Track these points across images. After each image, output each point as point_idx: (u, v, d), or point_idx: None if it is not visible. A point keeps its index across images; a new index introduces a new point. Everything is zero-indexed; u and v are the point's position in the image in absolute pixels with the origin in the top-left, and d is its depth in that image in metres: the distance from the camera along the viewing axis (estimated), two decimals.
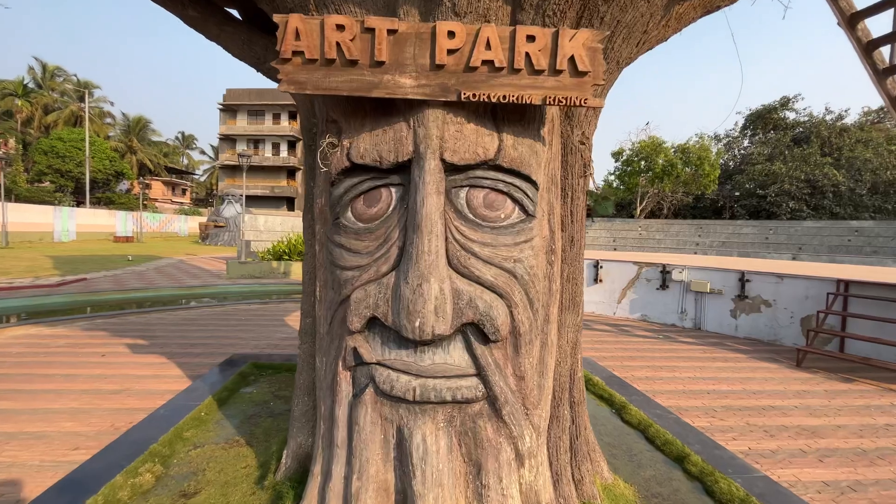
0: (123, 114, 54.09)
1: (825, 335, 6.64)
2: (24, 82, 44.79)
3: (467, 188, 1.97)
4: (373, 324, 2.05)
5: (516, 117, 1.97)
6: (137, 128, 53.82)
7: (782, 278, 7.43)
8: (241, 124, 43.89)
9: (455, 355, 1.97)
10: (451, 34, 1.74)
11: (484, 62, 1.76)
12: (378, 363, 2.04)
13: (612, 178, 31.76)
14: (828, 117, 29.66)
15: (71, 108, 44.74)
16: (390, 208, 2.03)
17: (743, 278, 7.84)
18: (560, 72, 1.77)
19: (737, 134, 33.80)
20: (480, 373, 1.96)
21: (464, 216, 1.96)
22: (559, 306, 2.34)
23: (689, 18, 2.95)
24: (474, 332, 1.95)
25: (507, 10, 1.93)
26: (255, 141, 44.09)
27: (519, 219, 2.00)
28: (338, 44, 1.74)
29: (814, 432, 3.89)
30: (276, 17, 1.73)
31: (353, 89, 1.79)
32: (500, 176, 1.96)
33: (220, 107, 43.82)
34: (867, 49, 4.63)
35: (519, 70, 1.77)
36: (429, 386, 1.92)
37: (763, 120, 31.66)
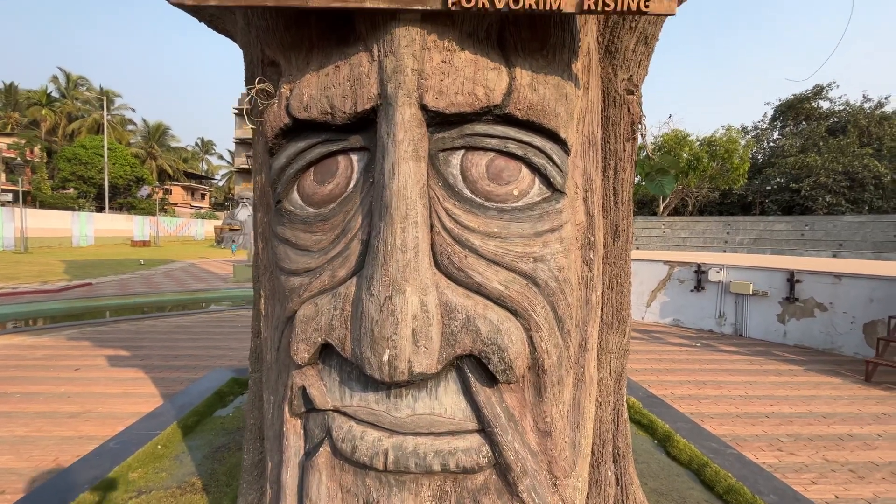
0: (144, 120, 55.08)
1: None
2: (48, 91, 46.02)
3: (462, 151, 1.31)
4: (328, 354, 1.41)
5: (535, 45, 1.31)
6: (157, 134, 54.84)
7: (840, 278, 6.51)
8: None
9: (446, 402, 1.32)
10: None
11: None
12: (336, 410, 1.40)
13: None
14: (866, 105, 27.88)
15: (93, 116, 45.76)
16: (351, 185, 1.39)
17: (792, 278, 6.94)
18: None
19: (766, 126, 32.14)
20: (485, 428, 1.30)
21: (458, 193, 1.31)
22: (600, 324, 1.66)
23: None
24: (475, 367, 1.29)
25: None
26: None
27: (541, 196, 1.33)
28: None
29: None
30: None
31: None
32: (512, 132, 1.29)
33: (236, 111, 44.11)
34: None
35: None
36: (407, 448, 1.27)
37: (794, 110, 29.99)
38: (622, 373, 1.82)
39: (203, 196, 67.07)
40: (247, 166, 41.84)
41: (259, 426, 2.01)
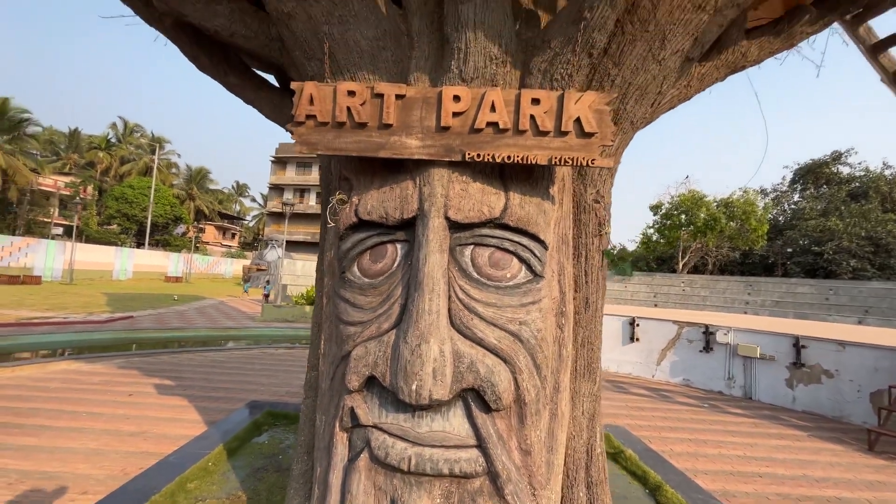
0: (187, 165, 59.45)
1: None
2: (108, 137, 50.55)
3: (472, 246, 1.93)
4: (371, 384, 1.97)
5: (524, 176, 1.95)
6: (198, 177, 58.78)
7: (844, 346, 6.70)
8: (290, 175, 46.96)
9: (455, 423, 1.84)
10: (457, 98, 1.78)
11: (489, 124, 1.78)
12: (374, 426, 1.94)
13: (652, 231, 30.91)
14: (886, 172, 28.03)
15: (144, 159, 49.76)
16: (395, 264, 2.01)
17: (798, 344, 7.14)
18: (566, 133, 1.75)
19: (785, 188, 32.45)
20: (481, 444, 1.81)
21: (468, 275, 1.91)
22: (573, 374, 2.18)
23: (712, 79, 2.92)
24: (475, 398, 1.83)
25: (515, 74, 1.97)
26: (302, 190, 46.80)
27: (526, 279, 1.92)
28: (348, 108, 1.82)
29: None
30: (293, 85, 1.85)
31: (361, 150, 1.85)
32: (507, 234, 1.91)
33: (273, 159, 47.30)
34: None
35: (524, 131, 1.77)
36: (425, 456, 1.79)
37: (814, 174, 30.35)
38: (595, 414, 2.29)
39: (234, 235, 70.21)
40: (278, 210, 44.19)
41: (308, 442, 2.54)
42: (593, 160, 1.77)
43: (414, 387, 1.75)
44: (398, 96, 1.82)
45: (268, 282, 19.10)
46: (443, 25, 1.97)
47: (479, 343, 1.83)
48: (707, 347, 8.18)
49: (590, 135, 1.76)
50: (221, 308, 16.65)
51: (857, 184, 28.65)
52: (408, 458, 1.79)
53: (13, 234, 33.94)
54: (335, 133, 1.86)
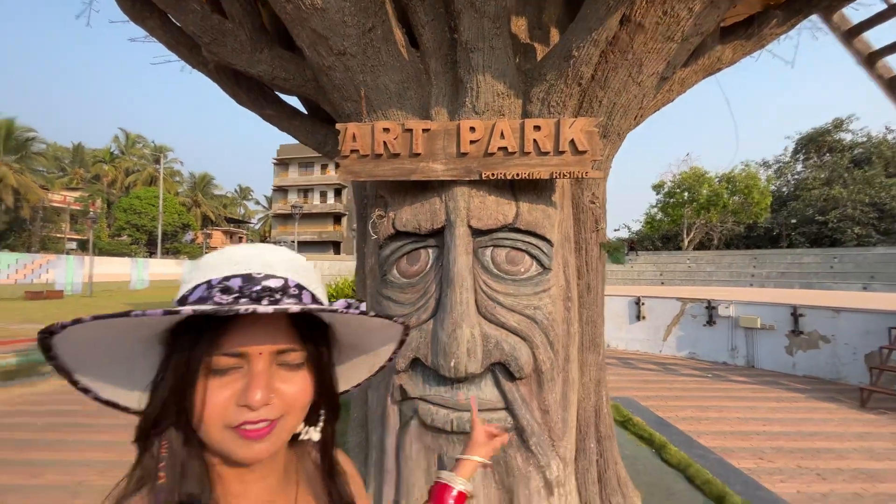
0: (191, 173, 60.16)
1: (894, 373, 6.21)
2: (111, 150, 51.20)
3: (491, 248, 2.35)
4: (415, 364, 2.41)
5: (530, 188, 2.36)
6: (202, 184, 59.46)
7: (839, 312, 7.09)
8: (293, 176, 47.43)
9: (486, 391, 2.28)
10: (472, 129, 2.19)
11: (499, 148, 2.19)
12: (420, 398, 2.38)
13: (656, 210, 31.11)
14: (889, 137, 27.93)
15: (147, 169, 50.45)
16: (428, 266, 2.44)
17: (796, 312, 7.53)
18: (563, 152, 2.16)
19: (788, 159, 32.42)
20: (509, 406, 2.25)
21: (489, 271, 2.33)
22: (580, 347, 2.61)
23: (692, 81, 3.29)
24: (502, 370, 2.26)
25: (517, 103, 2.37)
26: (305, 190, 47.31)
27: (537, 272, 2.34)
28: (384, 142, 2.24)
29: (872, 476, 3.73)
30: (338, 126, 2.27)
31: (396, 175, 2.27)
32: (519, 237, 2.33)
33: (275, 161, 47.74)
34: (891, 85, 4.71)
35: (528, 153, 2.18)
36: (464, 418, 2.23)
37: (816, 143, 30.29)
38: (600, 380, 2.72)
39: (241, 239, 71.15)
40: (285, 212, 44.79)
41: (361, 417, 3.00)
42: (587, 173, 2.17)
43: (452, 364, 2.19)
44: (424, 130, 2.23)
45: None
46: (455, 65, 2.37)
47: (503, 326, 2.26)
48: (710, 321, 8.59)
49: (583, 152, 2.16)
50: None
51: (860, 150, 28.59)
52: (450, 420, 2.24)
53: (29, 251, 34.87)
54: (374, 163, 2.28)
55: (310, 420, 0.60)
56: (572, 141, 2.16)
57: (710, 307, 8.61)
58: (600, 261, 2.75)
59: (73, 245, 42.64)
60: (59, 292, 22.22)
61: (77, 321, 0.47)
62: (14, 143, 37.64)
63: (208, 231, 53.42)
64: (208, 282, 0.53)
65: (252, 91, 3.28)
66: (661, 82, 2.65)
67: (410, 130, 2.23)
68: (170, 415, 0.51)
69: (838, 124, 29.70)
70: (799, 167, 31.80)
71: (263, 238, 70.47)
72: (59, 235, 42.67)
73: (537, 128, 2.16)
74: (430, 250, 2.44)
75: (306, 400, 0.56)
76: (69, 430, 4.58)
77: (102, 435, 4.47)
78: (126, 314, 0.48)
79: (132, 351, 0.55)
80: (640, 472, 3.68)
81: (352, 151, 2.28)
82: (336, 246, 46.50)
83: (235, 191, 76.36)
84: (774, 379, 7.10)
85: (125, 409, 0.60)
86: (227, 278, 0.53)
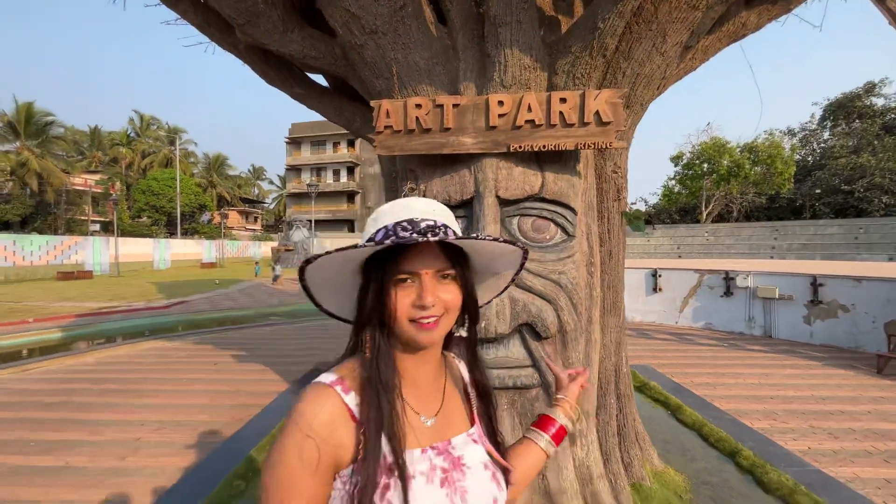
0: (205, 153, 60.66)
1: None
2: (127, 132, 51.84)
3: (518, 217, 2.48)
4: None
5: (555, 159, 2.47)
6: (216, 164, 60.00)
7: (860, 281, 7.06)
8: (306, 154, 47.54)
9: (514, 350, 2.46)
10: (500, 103, 2.29)
11: (526, 121, 2.29)
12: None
13: (674, 182, 30.48)
14: None
15: (163, 151, 51.06)
16: None
17: (815, 283, 7.51)
18: (588, 124, 2.25)
19: (814, 127, 31.19)
20: (535, 364, 2.42)
21: (517, 239, 2.47)
22: (601, 310, 2.75)
23: (715, 49, 3.29)
24: (529, 331, 2.43)
25: (543, 76, 2.44)
26: (318, 169, 47.46)
27: (561, 239, 2.47)
28: (416, 118, 2.35)
29: (884, 435, 3.85)
30: (373, 103, 2.39)
31: (428, 149, 2.39)
32: (545, 206, 2.45)
33: (287, 140, 47.83)
34: None
35: (555, 125, 2.28)
36: (494, 374, 2.42)
37: (845, 109, 28.99)
38: (620, 342, 2.87)
39: (256, 219, 72.10)
40: (299, 190, 45.16)
41: None
42: (611, 143, 2.26)
43: (483, 325, 2.35)
44: (454, 105, 2.34)
45: (277, 261, 20.11)
46: (482, 40, 2.45)
47: (529, 290, 2.41)
48: (728, 292, 8.62)
49: (607, 123, 2.25)
50: (263, 288, 17.79)
51: (893, 115, 27.33)
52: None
53: (55, 234, 36.04)
54: (407, 138, 2.40)
55: (458, 321, 0.83)
56: (597, 112, 2.24)
57: (728, 278, 8.63)
58: (622, 229, 2.85)
59: (97, 227, 43.89)
60: (89, 272, 23.12)
61: (323, 254, 0.72)
62: (34, 128, 38.34)
63: (225, 211, 54.24)
64: (385, 227, 0.74)
65: (282, 70, 3.40)
66: (685, 51, 2.68)
67: (441, 106, 2.34)
68: (373, 316, 0.75)
69: (870, 88, 28.30)
70: (826, 135, 30.61)
71: (278, 218, 71.35)
72: (82, 218, 43.86)
73: (563, 100, 2.25)
74: (460, 220, 2.58)
75: (458, 304, 0.77)
76: (120, 395, 4.96)
77: (148, 398, 4.84)
78: (354, 246, 0.72)
79: (342, 279, 0.80)
80: (657, 431, 3.87)
81: (385, 127, 2.40)
82: (350, 224, 46.88)
83: (249, 171, 76.91)
84: (791, 348, 7.17)
85: (337, 317, 0.88)
86: (398, 223, 0.74)
